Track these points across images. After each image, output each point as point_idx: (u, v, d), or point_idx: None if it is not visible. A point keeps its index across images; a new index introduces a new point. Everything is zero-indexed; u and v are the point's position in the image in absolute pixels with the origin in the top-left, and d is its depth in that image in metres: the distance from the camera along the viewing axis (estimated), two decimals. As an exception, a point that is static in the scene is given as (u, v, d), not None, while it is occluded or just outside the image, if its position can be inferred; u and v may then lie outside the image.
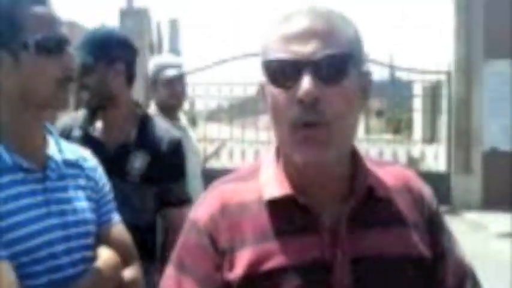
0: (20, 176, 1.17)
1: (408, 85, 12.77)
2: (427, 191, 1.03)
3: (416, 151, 11.45)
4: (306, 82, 0.85)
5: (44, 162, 1.22)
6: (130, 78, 1.98)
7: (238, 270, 0.91)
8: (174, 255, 0.99)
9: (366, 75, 0.94)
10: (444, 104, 9.96)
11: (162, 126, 2.00)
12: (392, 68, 10.86)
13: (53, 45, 1.17)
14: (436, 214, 1.01)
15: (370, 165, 0.98)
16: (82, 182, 1.29)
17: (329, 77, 0.87)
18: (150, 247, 1.94)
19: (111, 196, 1.38)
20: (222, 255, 0.93)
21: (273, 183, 0.95)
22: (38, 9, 1.17)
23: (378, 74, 11.45)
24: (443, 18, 10.21)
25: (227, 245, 0.93)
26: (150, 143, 1.92)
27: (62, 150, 1.28)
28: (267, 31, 0.95)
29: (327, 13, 0.91)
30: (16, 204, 1.14)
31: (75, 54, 1.30)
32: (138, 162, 1.87)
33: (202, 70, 10.25)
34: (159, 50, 14.66)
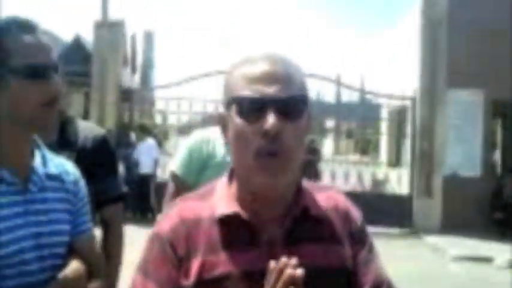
0: (2, 188, 1.26)
1: (376, 108, 13.10)
2: (353, 211, 1.18)
3: (381, 173, 11.70)
4: (271, 118, 0.99)
5: (27, 175, 1.31)
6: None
7: (191, 278, 1.05)
8: (139, 264, 1.13)
9: (310, 115, 1.09)
10: (408, 128, 10.23)
11: (85, 126, 2.02)
12: (362, 91, 11.15)
13: (39, 72, 1.26)
14: (359, 230, 1.15)
15: (310, 188, 1.15)
16: (61, 194, 1.37)
17: (289, 115, 1.02)
18: None
19: (87, 208, 1.47)
20: (180, 262, 1.06)
21: (223, 203, 1.09)
22: (27, 38, 1.26)
23: (348, 96, 11.75)
24: (410, 45, 10.54)
25: (184, 254, 1.06)
26: (74, 142, 1.92)
27: (47, 164, 1.37)
28: (230, 72, 1.09)
29: (284, 59, 1.07)
30: None
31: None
32: None
33: (175, 85, 10.32)
34: (133, 62, 14.66)
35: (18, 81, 1.24)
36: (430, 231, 9.18)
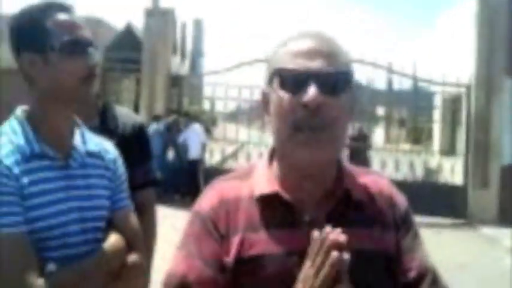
0: (45, 163, 1.33)
1: (430, 96, 12.72)
2: (397, 196, 1.15)
3: (434, 163, 11.40)
4: (312, 90, 0.99)
5: (68, 152, 1.38)
6: None
7: (231, 255, 1.05)
8: (181, 241, 1.12)
9: (354, 94, 1.08)
10: (463, 117, 9.92)
11: (123, 112, 2.10)
12: (415, 78, 10.83)
13: (76, 47, 1.34)
14: (403, 216, 1.13)
15: (351, 172, 1.13)
16: (101, 171, 1.44)
17: (330, 90, 1.01)
18: None
19: (125, 185, 1.54)
20: (221, 239, 1.07)
21: (263, 182, 1.10)
22: (63, 16, 1.35)
23: (401, 83, 11.44)
24: (466, 32, 10.17)
25: (224, 231, 1.07)
26: (114, 128, 1.98)
27: (86, 142, 1.44)
28: (275, 48, 1.10)
29: (328, 37, 1.08)
30: (40, 187, 1.30)
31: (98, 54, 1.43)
32: None
33: (223, 72, 10.37)
34: (183, 49, 14.83)
35: (57, 57, 1.32)
36: (485, 222, 8.92)
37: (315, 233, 0.94)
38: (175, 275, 1.07)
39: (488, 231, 8.57)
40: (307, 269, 0.94)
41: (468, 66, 9.75)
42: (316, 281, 0.92)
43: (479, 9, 9.44)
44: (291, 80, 1.02)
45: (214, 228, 1.07)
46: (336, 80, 1.02)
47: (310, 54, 1.03)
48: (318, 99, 0.98)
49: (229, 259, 1.04)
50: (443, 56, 12.67)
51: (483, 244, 8.03)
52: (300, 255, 1.00)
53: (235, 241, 1.05)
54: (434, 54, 14.00)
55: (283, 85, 1.03)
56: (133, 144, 2.01)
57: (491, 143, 9.34)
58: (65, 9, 1.37)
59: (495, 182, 9.29)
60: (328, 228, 0.93)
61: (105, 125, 1.96)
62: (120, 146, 1.89)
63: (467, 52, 9.84)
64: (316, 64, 1.01)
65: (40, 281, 1.23)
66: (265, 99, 1.10)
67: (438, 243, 6.83)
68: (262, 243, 1.04)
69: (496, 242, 8.00)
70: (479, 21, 9.42)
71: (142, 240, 1.52)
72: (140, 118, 2.17)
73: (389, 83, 12.29)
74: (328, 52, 1.04)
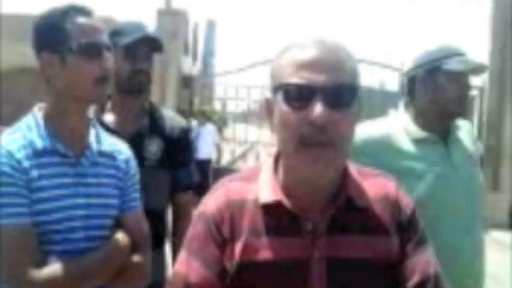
0: (56, 159, 1.38)
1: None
2: (403, 198, 1.13)
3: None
4: (318, 107, 0.95)
5: (81, 150, 1.43)
6: None
7: (234, 260, 1.04)
8: (185, 242, 1.12)
9: (359, 102, 1.05)
10: (475, 119, 9.84)
11: (169, 115, 2.12)
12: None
13: (93, 50, 1.39)
14: (408, 219, 1.11)
15: (356, 176, 1.11)
16: (112, 171, 1.48)
17: (337, 104, 0.98)
18: (161, 232, 2.03)
19: (137, 187, 1.56)
20: (224, 242, 1.06)
21: (267, 189, 1.08)
22: (82, 19, 1.41)
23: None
24: (479, 33, 10.08)
25: (229, 235, 1.06)
26: (163, 130, 2.02)
27: (101, 141, 1.49)
28: (279, 56, 1.05)
29: (334, 45, 1.03)
30: (49, 182, 1.35)
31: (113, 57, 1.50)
32: (154, 147, 1.96)
33: (234, 72, 10.37)
34: (194, 50, 14.87)
35: (75, 58, 1.38)
36: (496, 226, 8.81)
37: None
38: (179, 275, 1.07)
39: (499, 235, 8.47)
40: None
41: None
42: None
43: (493, 7, 9.34)
44: (296, 95, 0.98)
45: (218, 231, 1.07)
46: (342, 94, 0.98)
47: (314, 66, 0.98)
48: (324, 117, 0.95)
49: (232, 263, 1.04)
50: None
51: (494, 248, 7.95)
52: (303, 263, 1.00)
53: (238, 245, 1.05)
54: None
55: (288, 99, 0.99)
56: (179, 147, 2.05)
57: (504, 145, 9.24)
58: (86, 12, 1.42)
59: (506, 185, 9.18)
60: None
61: (154, 127, 2.00)
62: (167, 147, 1.99)
63: (481, 53, 9.76)
64: (321, 78, 0.97)
65: (40, 273, 1.26)
66: (269, 107, 1.07)
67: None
68: (265, 249, 1.03)
69: (507, 246, 7.90)
70: (494, 20, 9.33)
71: (149, 242, 1.54)
72: (185, 122, 2.21)
73: (402, 84, 12.23)
74: (334, 63, 0.99)
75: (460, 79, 1.79)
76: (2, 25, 9.75)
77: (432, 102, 1.82)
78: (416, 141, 1.82)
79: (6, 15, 10.20)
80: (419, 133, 1.83)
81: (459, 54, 1.81)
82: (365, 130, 1.84)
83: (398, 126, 1.86)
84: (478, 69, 1.83)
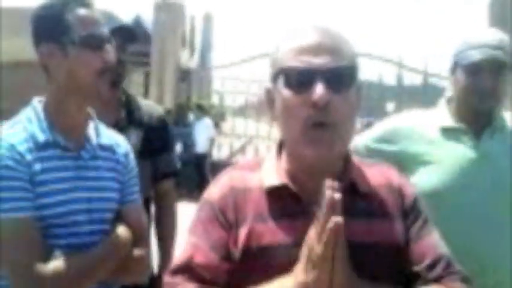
0: (58, 152, 1.36)
1: (440, 91, 12.65)
2: (406, 186, 1.15)
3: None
4: (319, 88, 0.98)
5: (81, 143, 1.41)
6: None
7: (239, 245, 1.05)
8: (190, 227, 1.13)
9: (359, 87, 1.07)
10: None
11: (147, 104, 2.13)
12: (425, 73, 10.75)
13: (95, 42, 1.37)
14: (412, 206, 1.12)
15: (359, 164, 1.13)
16: (112, 164, 1.47)
17: (337, 86, 1.00)
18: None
19: (136, 180, 1.55)
20: (230, 228, 1.07)
21: (272, 174, 1.10)
22: (83, 11, 1.39)
23: (410, 79, 11.37)
24: (477, 27, 10.07)
25: (233, 221, 1.08)
26: (141, 119, 2.02)
27: (100, 135, 1.47)
28: (279, 44, 1.07)
29: (332, 31, 1.05)
30: (52, 176, 1.33)
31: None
32: (133, 138, 1.94)
33: (232, 66, 10.35)
34: (192, 44, 14.83)
35: (76, 50, 1.35)
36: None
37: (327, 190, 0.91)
38: (183, 258, 1.08)
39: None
40: (311, 236, 0.94)
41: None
42: (318, 246, 0.91)
43: (491, 2, 9.34)
44: (297, 78, 1.01)
45: (223, 216, 1.08)
46: (342, 76, 1.01)
47: (314, 49, 1.00)
48: (326, 97, 0.97)
49: (237, 249, 1.04)
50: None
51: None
52: None
53: (243, 231, 1.05)
54: (446, 48, 13.90)
55: (289, 84, 1.02)
56: (158, 135, 2.05)
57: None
58: (86, 4, 1.41)
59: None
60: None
61: (131, 117, 2.00)
62: (146, 136, 1.98)
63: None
64: (321, 60, 0.99)
65: (45, 268, 1.24)
66: (269, 97, 1.09)
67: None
68: (271, 233, 1.04)
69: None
70: (491, 15, 9.32)
71: (148, 234, 1.54)
72: (162, 110, 2.20)
73: (399, 78, 12.21)
74: (333, 46, 1.01)
75: (477, 72, 1.70)
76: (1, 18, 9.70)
77: (458, 97, 1.78)
78: (444, 130, 1.77)
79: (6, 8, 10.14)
80: (448, 122, 1.78)
81: (479, 45, 1.70)
82: (394, 119, 1.87)
83: (431, 116, 1.83)
84: (499, 62, 1.70)
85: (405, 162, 1.74)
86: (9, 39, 9.69)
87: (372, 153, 1.79)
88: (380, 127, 1.92)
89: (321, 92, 0.97)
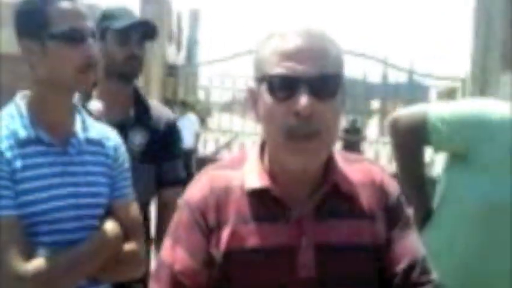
0: (41, 148, 1.34)
1: (425, 90, 12.73)
2: (389, 183, 1.13)
3: (427, 157, 11.39)
4: (303, 98, 0.94)
5: (67, 138, 1.38)
6: None
7: (221, 247, 1.04)
8: (170, 230, 1.12)
9: (344, 91, 1.03)
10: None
11: (156, 106, 2.05)
12: (410, 71, 10.83)
13: (76, 36, 1.33)
14: (394, 204, 1.11)
15: (341, 162, 1.11)
16: (101, 158, 1.44)
17: (322, 94, 0.97)
18: (146, 226, 1.96)
19: (128, 174, 1.52)
20: (210, 231, 1.05)
21: (254, 175, 1.07)
22: (65, 4, 1.34)
23: (396, 77, 11.43)
24: (462, 27, 10.16)
25: (214, 223, 1.06)
26: (148, 121, 1.95)
27: (87, 129, 1.44)
28: (262, 45, 1.03)
29: (318, 34, 1.00)
30: (34, 172, 1.31)
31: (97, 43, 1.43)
32: (138, 139, 1.90)
33: (219, 62, 10.33)
34: (178, 39, 14.76)
35: (57, 45, 1.32)
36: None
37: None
38: (164, 264, 1.07)
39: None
40: None
41: (465, 61, 9.76)
42: None
43: (476, 4, 9.42)
44: (280, 86, 0.97)
45: (203, 219, 1.06)
46: (327, 84, 0.97)
47: (298, 55, 0.96)
48: (310, 107, 0.94)
49: (219, 251, 1.03)
50: (441, 50, 12.64)
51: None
52: (289, 249, 1.00)
53: (225, 233, 1.04)
54: (432, 48, 13.99)
55: (272, 91, 0.98)
56: (163, 139, 1.97)
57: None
58: None
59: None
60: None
61: (140, 117, 1.93)
62: (152, 140, 1.92)
63: (464, 46, 9.84)
64: (305, 67, 0.95)
65: (28, 266, 1.23)
66: (253, 97, 1.06)
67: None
68: (252, 236, 1.03)
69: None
70: (476, 14, 9.39)
71: (142, 229, 1.50)
72: (173, 115, 2.12)
73: (385, 76, 12.28)
74: (318, 51, 0.97)
75: None
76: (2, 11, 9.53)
77: None
78: None
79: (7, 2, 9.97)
80: None
81: None
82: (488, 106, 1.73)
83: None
84: None
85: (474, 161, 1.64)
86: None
87: (448, 128, 1.67)
88: (468, 107, 1.75)
89: (305, 102, 0.94)
